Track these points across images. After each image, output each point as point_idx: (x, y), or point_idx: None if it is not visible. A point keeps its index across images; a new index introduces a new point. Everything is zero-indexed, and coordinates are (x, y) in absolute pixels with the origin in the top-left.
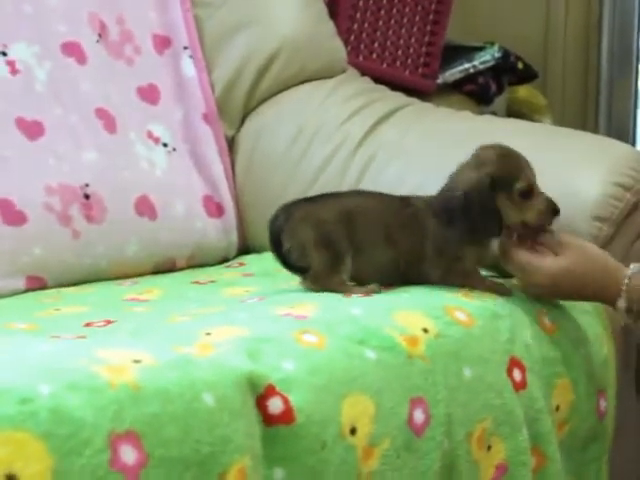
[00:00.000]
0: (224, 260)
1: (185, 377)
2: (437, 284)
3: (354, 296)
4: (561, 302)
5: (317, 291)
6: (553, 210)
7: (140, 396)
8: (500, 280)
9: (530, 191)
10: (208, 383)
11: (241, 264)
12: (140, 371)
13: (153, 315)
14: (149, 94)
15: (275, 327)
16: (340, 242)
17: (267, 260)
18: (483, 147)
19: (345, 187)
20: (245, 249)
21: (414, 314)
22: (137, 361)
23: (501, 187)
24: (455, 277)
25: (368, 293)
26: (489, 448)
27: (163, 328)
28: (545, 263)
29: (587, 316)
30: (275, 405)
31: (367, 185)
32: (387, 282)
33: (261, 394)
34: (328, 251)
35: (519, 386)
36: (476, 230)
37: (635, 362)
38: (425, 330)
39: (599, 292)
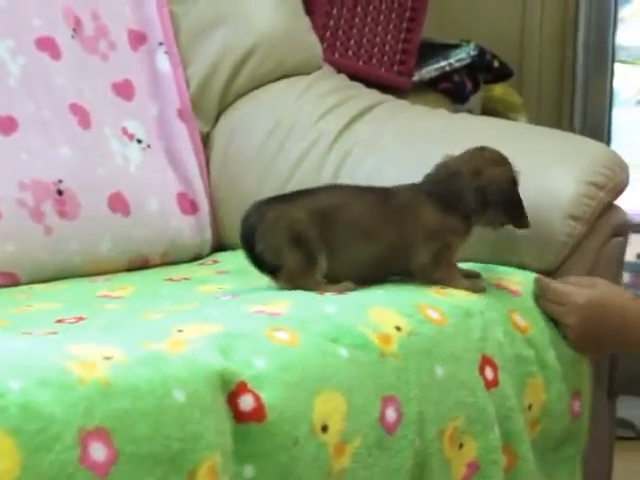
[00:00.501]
0: (198, 257)
1: (156, 373)
2: (419, 273)
3: (328, 294)
4: (535, 303)
5: (290, 289)
6: None
7: (110, 392)
8: (471, 274)
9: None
10: (179, 379)
11: (215, 261)
12: (111, 367)
13: (125, 312)
14: (124, 90)
15: (248, 324)
16: (313, 242)
17: (241, 258)
18: (486, 149)
19: (321, 182)
20: (219, 246)
21: (387, 312)
22: (108, 357)
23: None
24: (438, 266)
25: (342, 291)
26: (461, 446)
27: (135, 325)
28: (582, 289)
29: None
30: (246, 402)
31: (344, 180)
32: (364, 279)
33: (232, 391)
34: (301, 251)
35: (491, 384)
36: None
37: (607, 365)
38: (398, 328)
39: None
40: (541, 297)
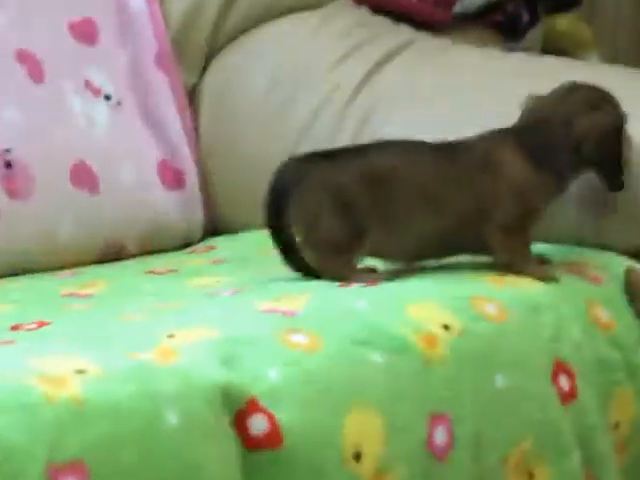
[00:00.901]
0: (187, 244)
1: (142, 390)
2: (494, 239)
3: (354, 285)
4: (620, 292)
5: (309, 278)
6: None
7: (86, 414)
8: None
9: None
10: (171, 397)
11: (209, 248)
12: (85, 383)
13: (98, 313)
14: (85, 31)
15: (256, 326)
16: (363, 213)
17: (243, 242)
18: (582, 86)
19: (340, 145)
20: (214, 229)
21: (432, 307)
22: (81, 371)
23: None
24: (515, 237)
25: (376, 281)
26: (531, 476)
27: (112, 329)
28: None
29: None
30: (258, 424)
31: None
32: (426, 257)
33: (241, 410)
34: (346, 223)
35: (567, 397)
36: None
37: None
38: (446, 327)
39: None
40: (632, 295)
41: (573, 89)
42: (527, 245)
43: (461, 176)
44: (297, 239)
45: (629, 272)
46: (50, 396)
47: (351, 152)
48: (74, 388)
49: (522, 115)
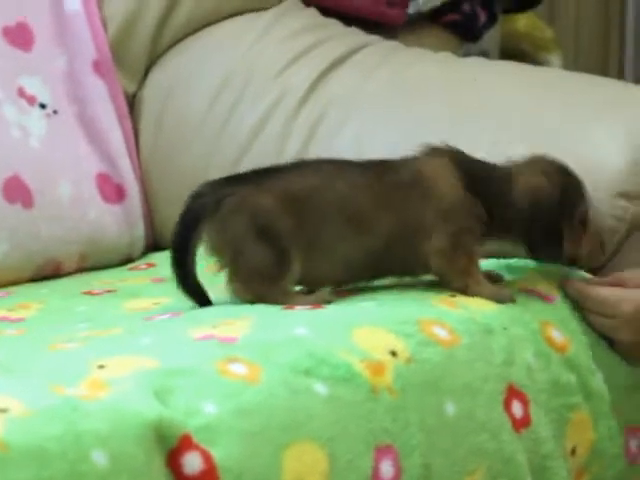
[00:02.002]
0: (127, 260)
1: (68, 430)
2: (435, 264)
3: (298, 308)
4: (575, 310)
5: (249, 302)
6: (602, 250)
7: (8, 459)
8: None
9: (587, 221)
10: (100, 437)
11: (150, 265)
12: (7, 424)
13: (28, 341)
14: (18, 36)
15: (192, 356)
16: (286, 237)
17: None
18: (538, 156)
19: (287, 157)
20: (154, 245)
21: (378, 331)
22: (3, 410)
23: (564, 208)
24: (458, 259)
25: (317, 303)
26: None
27: (41, 359)
28: (630, 292)
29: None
30: (192, 462)
31: (315, 153)
32: (355, 281)
33: (173, 448)
34: (268, 248)
35: (520, 424)
36: (535, 250)
37: None
38: (393, 353)
39: None
40: (581, 306)
41: (538, 158)
42: (474, 266)
43: (389, 195)
44: (217, 270)
45: (569, 285)
46: None
47: (269, 173)
48: None
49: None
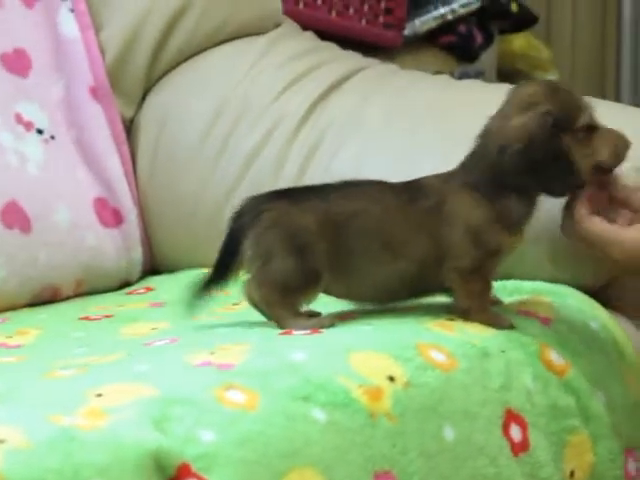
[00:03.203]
0: (125, 284)
1: (67, 461)
2: (453, 282)
3: (296, 333)
4: (573, 332)
5: (248, 325)
6: (625, 142)
7: None
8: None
9: (595, 125)
10: (99, 467)
11: (148, 289)
12: (5, 455)
13: (26, 368)
14: (16, 62)
15: (189, 383)
16: (319, 258)
17: (181, 283)
18: (522, 86)
19: (283, 183)
20: (152, 269)
21: (376, 356)
22: (1, 441)
23: (562, 127)
24: (474, 282)
25: (317, 327)
26: None
27: (39, 388)
28: (625, 236)
29: (609, 348)
30: None
31: (314, 178)
32: (390, 302)
33: (172, 477)
34: (299, 264)
35: (519, 448)
36: (550, 188)
37: None
38: (391, 378)
39: None
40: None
41: (511, 96)
42: (487, 291)
43: (418, 220)
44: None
45: (568, 205)
46: None
47: (311, 192)
48: None
49: (474, 142)
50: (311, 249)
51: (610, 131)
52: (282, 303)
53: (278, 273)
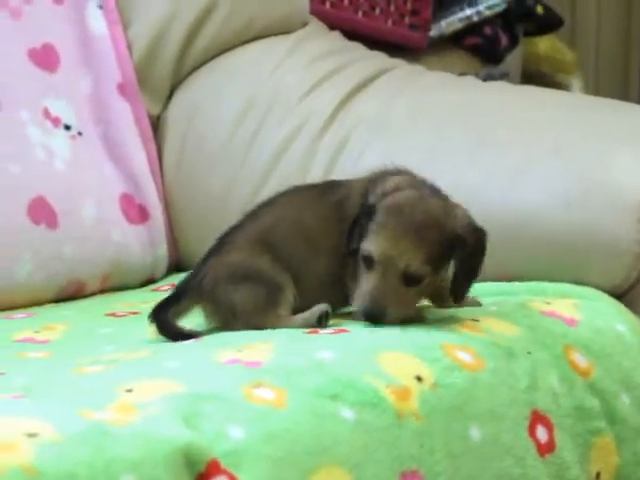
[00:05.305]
0: (150, 281)
1: (98, 455)
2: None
3: (322, 333)
4: (598, 333)
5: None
6: None
7: None
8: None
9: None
10: (130, 462)
11: (173, 286)
12: (38, 449)
13: (54, 363)
14: (44, 58)
15: (218, 380)
16: (267, 270)
17: None
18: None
19: (311, 179)
20: (178, 265)
21: (404, 357)
22: (33, 435)
23: None
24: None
25: (312, 319)
26: None
27: (68, 383)
28: None
29: (634, 351)
30: None
31: (341, 176)
32: (340, 305)
33: (201, 473)
34: (256, 285)
35: (545, 449)
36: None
37: None
38: (419, 378)
39: None
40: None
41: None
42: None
43: (326, 214)
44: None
45: None
46: None
47: (229, 233)
48: (26, 455)
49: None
50: (254, 268)
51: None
52: (262, 318)
53: (246, 301)
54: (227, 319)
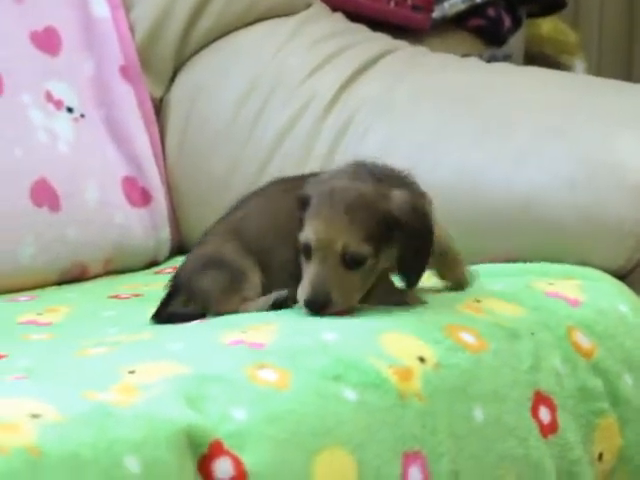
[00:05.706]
0: (153, 263)
1: (101, 436)
2: None
3: (330, 318)
4: (601, 314)
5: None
6: None
7: (43, 465)
8: None
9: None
10: (132, 443)
11: (176, 269)
12: (41, 429)
13: (57, 345)
14: (46, 41)
15: (222, 361)
16: (232, 256)
17: None
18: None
19: (313, 161)
20: (180, 248)
21: (406, 338)
22: (36, 415)
23: None
24: None
25: (268, 302)
26: None
27: (71, 365)
28: None
29: (637, 332)
30: (223, 468)
31: (344, 157)
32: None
33: (204, 454)
34: (221, 270)
35: (548, 430)
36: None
37: None
38: (421, 359)
39: None
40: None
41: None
42: None
43: (292, 208)
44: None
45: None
46: (2, 445)
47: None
48: (29, 435)
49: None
50: (220, 255)
51: None
52: (225, 304)
53: (214, 285)
54: (204, 308)
